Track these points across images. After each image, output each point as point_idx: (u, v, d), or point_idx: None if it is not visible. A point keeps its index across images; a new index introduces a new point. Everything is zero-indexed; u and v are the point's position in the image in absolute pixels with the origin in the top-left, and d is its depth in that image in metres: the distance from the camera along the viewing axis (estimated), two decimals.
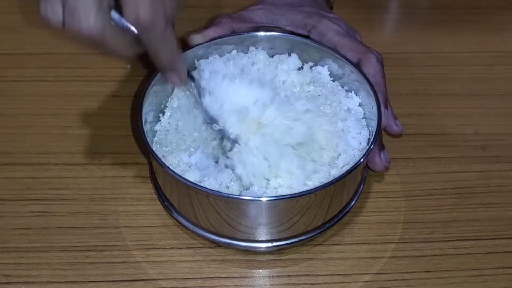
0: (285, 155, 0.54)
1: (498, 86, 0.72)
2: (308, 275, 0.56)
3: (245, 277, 0.56)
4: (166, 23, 0.49)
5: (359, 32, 0.66)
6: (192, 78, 0.58)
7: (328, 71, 0.63)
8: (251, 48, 0.63)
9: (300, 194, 0.51)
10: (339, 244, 0.58)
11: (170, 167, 0.53)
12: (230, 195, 0.51)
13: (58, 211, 0.59)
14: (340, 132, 0.57)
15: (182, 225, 0.57)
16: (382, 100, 0.58)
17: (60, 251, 0.56)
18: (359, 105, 0.60)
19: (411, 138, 0.66)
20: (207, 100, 0.57)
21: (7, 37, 0.76)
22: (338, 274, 0.56)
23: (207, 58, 0.62)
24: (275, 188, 0.54)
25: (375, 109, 0.57)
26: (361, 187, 0.59)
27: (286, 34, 0.64)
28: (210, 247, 0.57)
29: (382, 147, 0.61)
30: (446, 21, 0.80)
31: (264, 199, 0.51)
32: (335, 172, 0.55)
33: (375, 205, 0.61)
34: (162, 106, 0.61)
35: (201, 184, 0.52)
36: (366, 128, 0.59)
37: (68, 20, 0.47)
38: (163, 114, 0.60)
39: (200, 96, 0.57)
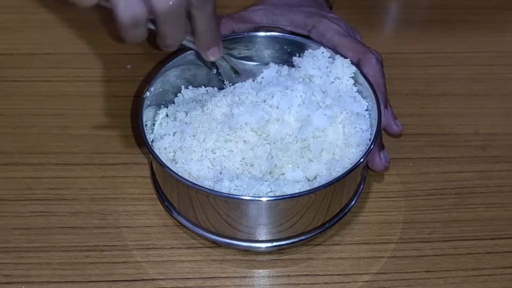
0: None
1: (498, 86, 0.72)
2: (308, 275, 0.56)
3: (245, 277, 0.56)
4: None
5: (359, 32, 0.66)
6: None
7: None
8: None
9: (300, 194, 0.51)
10: (339, 244, 0.58)
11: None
12: (230, 195, 0.51)
13: (59, 211, 0.59)
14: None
15: (182, 225, 0.57)
16: (382, 100, 0.59)
17: (60, 251, 0.56)
18: (366, 109, 0.60)
19: (411, 138, 0.66)
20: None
21: (7, 37, 0.76)
22: (338, 274, 0.56)
23: None
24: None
25: (375, 109, 0.57)
26: (361, 187, 0.59)
27: (286, 34, 0.64)
28: (210, 247, 0.57)
29: (382, 147, 0.61)
30: (446, 21, 0.80)
31: (264, 199, 0.51)
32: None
33: (375, 205, 0.61)
34: (162, 106, 0.61)
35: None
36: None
37: None
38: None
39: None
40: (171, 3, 0.49)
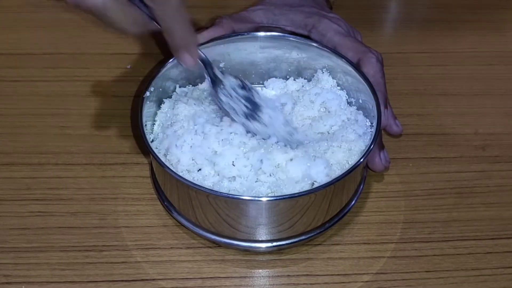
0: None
1: (498, 85, 0.72)
2: (307, 275, 0.56)
3: (245, 277, 0.56)
4: None
5: (359, 32, 0.66)
6: (206, 63, 0.57)
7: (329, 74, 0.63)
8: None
9: (300, 194, 0.51)
10: (339, 244, 0.58)
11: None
12: (230, 195, 0.51)
13: (57, 211, 0.59)
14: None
15: (182, 225, 0.57)
16: (382, 100, 0.58)
17: (59, 251, 0.56)
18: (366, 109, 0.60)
19: (410, 138, 0.66)
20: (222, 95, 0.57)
21: (7, 37, 0.76)
22: (338, 274, 0.56)
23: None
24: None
25: (374, 109, 0.57)
26: (361, 187, 0.59)
27: (286, 34, 0.64)
28: (210, 247, 0.57)
29: (382, 147, 0.61)
30: (445, 21, 0.80)
31: (264, 199, 0.51)
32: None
33: (374, 205, 0.61)
34: (162, 106, 0.61)
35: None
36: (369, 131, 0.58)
37: None
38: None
39: (213, 82, 0.57)
40: None
